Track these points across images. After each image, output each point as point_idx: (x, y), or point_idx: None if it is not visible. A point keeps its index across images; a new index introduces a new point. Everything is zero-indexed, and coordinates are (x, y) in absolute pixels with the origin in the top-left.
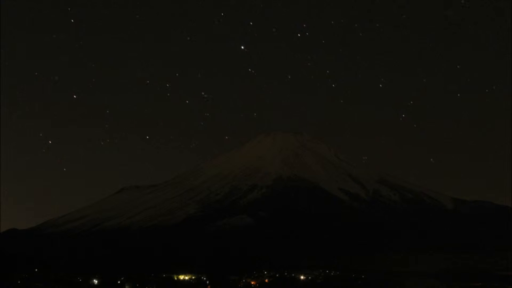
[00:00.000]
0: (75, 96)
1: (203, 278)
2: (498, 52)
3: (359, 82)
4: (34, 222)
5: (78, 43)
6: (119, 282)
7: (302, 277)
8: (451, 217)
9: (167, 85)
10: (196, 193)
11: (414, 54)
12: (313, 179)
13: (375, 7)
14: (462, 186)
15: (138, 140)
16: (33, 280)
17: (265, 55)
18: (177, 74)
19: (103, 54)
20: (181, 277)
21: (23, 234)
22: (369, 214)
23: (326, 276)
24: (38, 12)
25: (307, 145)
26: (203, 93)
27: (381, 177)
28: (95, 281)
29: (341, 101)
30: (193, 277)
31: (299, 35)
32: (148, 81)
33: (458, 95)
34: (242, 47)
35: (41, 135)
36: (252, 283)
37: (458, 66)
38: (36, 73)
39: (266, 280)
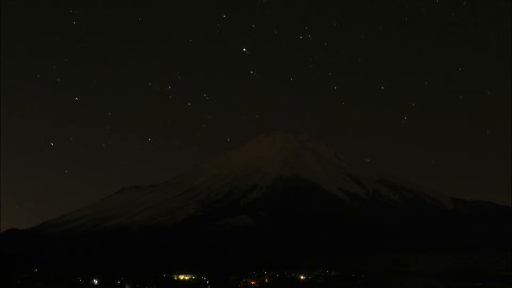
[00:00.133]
0: (77, 99)
1: (203, 278)
2: (498, 52)
3: (360, 83)
4: (34, 222)
5: (80, 45)
6: (119, 282)
7: (302, 277)
8: (451, 217)
9: (169, 87)
10: (196, 193)
11: (415, 55)
12: (313, 179)
13: (376, 9)
14: (462, 186)
15: (138, 140)
16: (33, 280)
17: (267, 57)
18: (178, 76)
19: (104, 55)
20: (181, 277)
21: (23, 234)
22: (369, 214)
23: (326, 276)
24: (38, 12)
25: (307, 145)
26: (205, 95)
27: (381, 177)
28: (95, 281)
29: (343, 103)
30: (193, 277)
31: (301, 37)
32: (150, 83)
33: (458, 95)
34: (244, 49)
35: (41, 135)
36: (252, 283)
37: (458, 66)
38: (36, 73)
39: (266, 280)
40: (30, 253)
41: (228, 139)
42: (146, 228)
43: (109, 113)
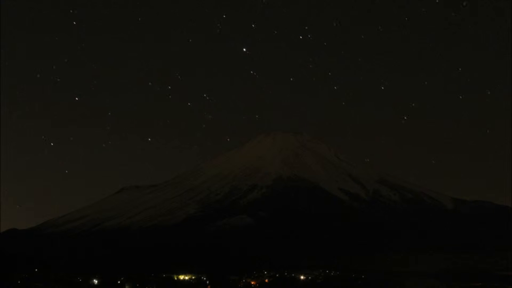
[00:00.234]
0: (77, 99)
1: (203, 278)
2: (498, 52)
3: (360, 84)
4: (34, 222)
5: (80, 45)
6: (119, 282)
7: (302, 277)
8: (451, 217)
9: (169, 87)
10: (196, 193)
11: (415, 55)
12: (313, 179)
13: (376, 9)
14: (462, 186)
15: (138, 140)
16: (33, 280)
17: (267, 57)
18: (178, 76)
19: (104, 55)
20: (181, 277)
21: (23, 234)
22: (369, 214)
23: (326, 276)
24: (38, 12)
25: (307, 145)
26: (205, 95)
27: (381, 177)
28: (95, 281)
29: (343, 103)
30: (193, 277)
31: (301, 37)
32: (150, 83)
33: (458, 95)
34: (244, 49)
35: (40, 135)
36: (252, 283)
37: (458, 66)
38: (36, 73)
39: (266, 280)
40: (30, 253)
41: (228, 139)
42: (146, 228)
43: (109, 113)
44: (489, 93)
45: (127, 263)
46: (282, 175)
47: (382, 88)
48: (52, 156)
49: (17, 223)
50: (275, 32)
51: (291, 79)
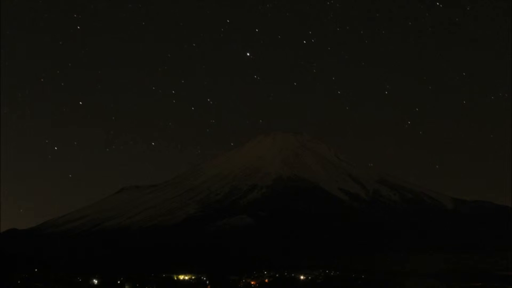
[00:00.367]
0: (80, 103)
1: (203, 278)
2: (498, 53)
3: (363, 87)
4: (34, 222)
5: (84, 49)
6: (119, 282)
7: (302, 277)
8: (451, 217)
9: (173, 91)
10: (196, 193)
11: (418, 58)
12: (313, 179)
13: (379, 14)
14: (462, 186)
15: (141, 144)
16: (33, 280)
17: (270, 61)
18: (182, 80)
19: (107, 59)
20: (181, 277)
21: (23, 234)
22: (369, 214)
23: (326, 276)
24: (43, 16)
25: (307, 145)
26: (208, 99)
27: (381, 177)
28: (95, 281)
29: (346, 107)
30: (193, 277)
31: (304, 41)
32: (153, 87)
33: (460, 97)
34: (248, 54)
35: (41, 135)
36: (252, 283)
37: (461, 69)
38: (37, 74)
39: (266, 280)
40: (30, 253)
41: (228, 139)
42: (146, 228)
43: (113, 118)
44: (489, 93)
45: (127, 263)
46: (282, 175)
47: (386, 92)
48: (52, 157)
49: (17, 223)
50: (279, 37)
51: (295, 83)
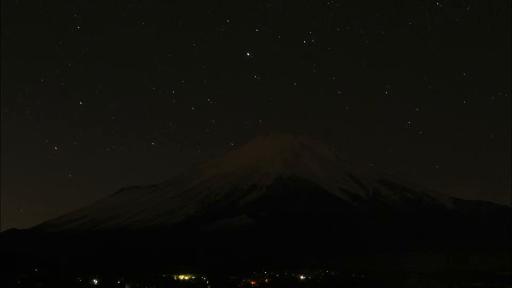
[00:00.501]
0: (80, 103)
1: (203, 278)
2: (498, 53)
3: (364, 88)
4: (34, 222)
5: (84, 49)
6: (119, 282)
7: (302, 277)
8: (451, 217)
9: (173, 91)
10: (196, 193)
11: (418, 59)
12: (313, 179)
13: (380, 14)
14: (462, 186)
15: (139, 141)
16: (33, 280)
17: (270, 61)
18: (182, 80)
19: (107, 58)
20: (181, 277)
21: (23, 234)
22: (369, 214)
23: (326, 276)
24: (43, 16)
25: (307, 145)
26: (208, 99)
27: (381, 177)
28: (95, 281)
29: (346, 107)
30: (193, 277)
31: (304, 41)
32: (154, 87)
33: (460, 98)
34: (248, 54)
35: (41, 135)
36: (252, 283)
37: (458, 66)
38: (37, 74)
39: (266, 280)
40: (30, 253)
41: (229, 139)
42: (146, 228)
43: (113, 118)
44: (492, 97)
45: (127, 263)
46: (282, 175)
47: (386, 92)
48: (52, 157)
49: (17, 223)
50: (279, 36)
51: (295, 83)
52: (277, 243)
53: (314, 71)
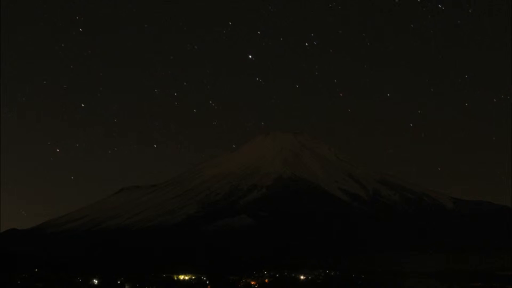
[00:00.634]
0: (82, 105)
1: (203, 278)
2: (500, 54)
3: (366, 90)
4: (34, 222)
5: (86, 51)
6: (119, 282)
7: (302, 277)
8: (451, 217)
9: (175, 93)
10: (196, 193)
11: (419, 60)
12: (313, 179)
13: (382, 16)
14: (462, 186)
15: (139, 142)
16: (33, 280)
17: (272, 64)
18: (184, 82)
19: (109, 60)
20: (181, 277)
21: (23, 234)
22: (369, 214)
23: (326, 276)
24: (45, 17)
25: (307, 145)
26: (210, 101)
27: (381, 177)
28: (95, 281)
29: (348, 109)
30: (193, 277)
31: (306, 44)
32: (156, 90)
33: (461, 99)
34: (250, 56)
35: (43, 137)
36: (252, 283)
37: (459, 68)
38: (39, 76)
39: (266, 280)
40: (30, 253)
41: (229, 139)
42: (146, 228)
43: (115, 120)
44: (494, 99)
45: (127, 263)
46: (282, 175)
47: (388, 94)
48: (54, 158)
49: (17, 223)
50: (281, 39)
51: (297, 85)
52: (277, 243)
53: (316, 73)
